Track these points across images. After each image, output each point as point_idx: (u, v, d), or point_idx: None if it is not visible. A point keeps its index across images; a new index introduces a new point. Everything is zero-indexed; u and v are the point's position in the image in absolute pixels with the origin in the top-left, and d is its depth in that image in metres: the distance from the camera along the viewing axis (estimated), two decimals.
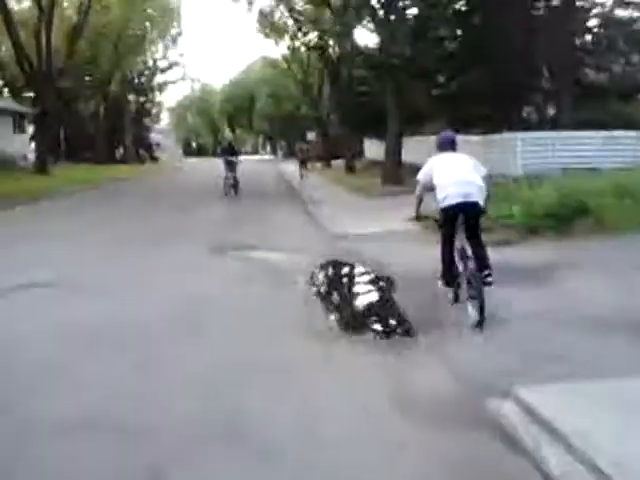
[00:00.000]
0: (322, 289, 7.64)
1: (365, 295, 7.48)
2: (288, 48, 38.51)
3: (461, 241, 5.69)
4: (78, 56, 36.86)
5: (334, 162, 42.31)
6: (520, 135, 18.61)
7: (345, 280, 8.64)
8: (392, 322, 6.11)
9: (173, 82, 61.44)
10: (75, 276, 7.71)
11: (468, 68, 24.75)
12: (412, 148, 27.94)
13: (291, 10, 28.07)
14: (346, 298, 7.42)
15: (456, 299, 5.85)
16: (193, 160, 66.67)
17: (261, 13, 31.34)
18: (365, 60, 23.86)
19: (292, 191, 21.77)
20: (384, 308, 6.68)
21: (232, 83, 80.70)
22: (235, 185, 18.69)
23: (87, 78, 37.89)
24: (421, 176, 6.06)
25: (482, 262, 5.47)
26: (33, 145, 37.05)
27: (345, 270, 8.90)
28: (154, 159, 52.64)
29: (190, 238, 10.68)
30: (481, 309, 5.12)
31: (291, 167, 37.68)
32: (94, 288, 7.09)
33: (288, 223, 12.87)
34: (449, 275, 5.81)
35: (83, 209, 16.60)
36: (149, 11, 36.53)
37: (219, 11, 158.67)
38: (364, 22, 21.57)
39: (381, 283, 7.68)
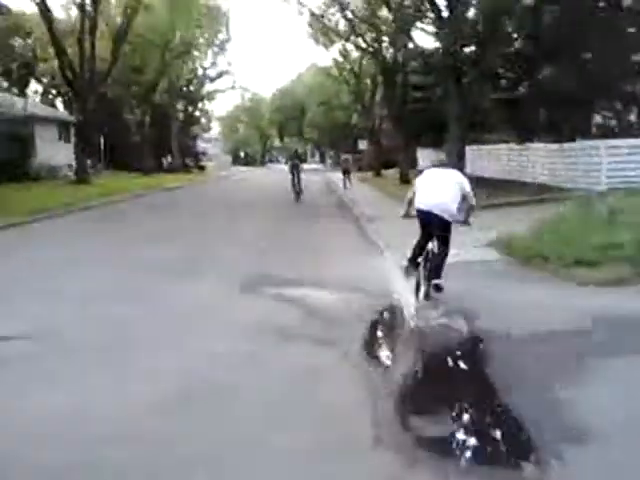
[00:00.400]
0: (387, 359, 5.30)
1: (456, 378, 4.84)
2: (340, 53, 36.84)
3: (430, 245, 6.64)
4: (124, 63, 36.24)
5: (385, 172, 40.41)
6: (605, 143, 16.17)
7: (422, 343, 5.63)
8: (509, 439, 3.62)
9: (222, 91, 60.85)
10: (49, 336, 5.52)
11: (537, 70, 22.51)
12: (473, 157, 25.83)
13: (344, 10, 26.21)
14: (428, 381, 4.91)
15: (426, 296, 6.51)
16: (241, 169, 65.79)
17: (312, 15, 29.65)
18: (425, 61, 21.76)
19: (342, 204, 19.94)
20: (489, 406, 4.10)
21: (282, 92, 79.77)
22: (299, 192, 20.38)
23: (134, 87, 37.02)
24: (415, 187, 6.83)
25: (432, 271, 6.37)
26: None
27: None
28: (201, 168, 51.72)
29: (220, 267, 8.81)
30: (426, 292, 6.44)
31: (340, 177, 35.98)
32: (76, 355, 5.02)
33: (339, 245, 10.90)
34: (412, 264, 6.77)
35: (105, 226, 14.86)
36: (196, 16, 35.30)
37: (268, 18, 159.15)
38: (424, 19, 19.52)
39: (476, 351, 5.36)
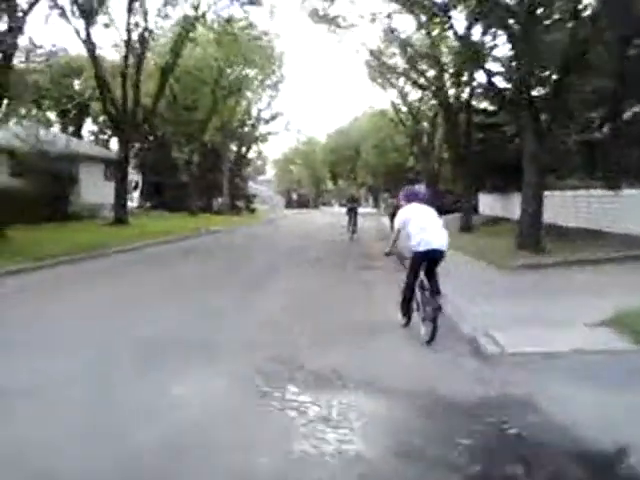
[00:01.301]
0: None
1: None
2: (398, 92, 34.94)
3: (421, 276, 6.98)
4: (174, 101, 35.40)
5: (444, 217, 37.75)
6: None
7: None
8: None
9: (276, 133, 60.00)
10: None
11: (622, 108, 19.86)
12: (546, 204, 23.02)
13: (405, 46, 24.27)
14: None
15: (407, 324, 7.27)
16: (293, 212, 64.26)
17: (371, 53, 27.89)
18: (496, 95, 19.35)
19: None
20: None
21: (337, 133, 78.71)
22: (354, 232, 23.05)
23: (184, 126, 36.05)
24: (398, 224, 7.21)
25: (436, 291, 6.79)
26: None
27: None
28: (251, 210, 50.35)
29: (235, 345, 6.57)
30: (434, 329, 6.47)
31: None
32: None
33: (395, 315, 8.34)
34: (406, 307, 7.25)
35: (120, 277, 12.72)
36: (243, 52, 34.21)
37: (325, 61, 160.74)
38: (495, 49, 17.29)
39: None
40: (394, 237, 7.37)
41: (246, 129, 52.68)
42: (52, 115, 51.05)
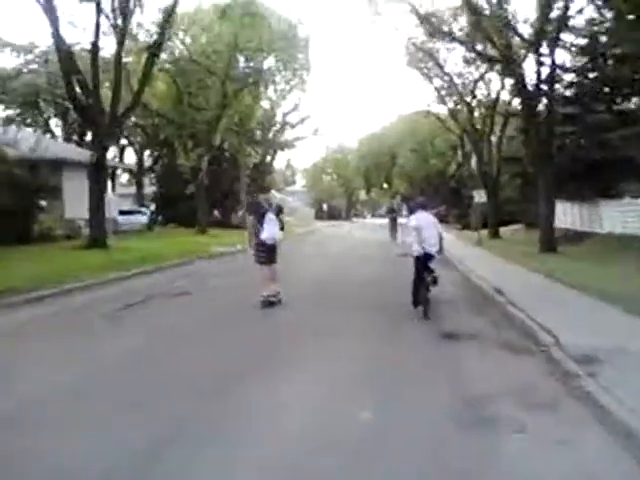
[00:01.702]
0: None
1: None
2: (449, 77, 28.77)
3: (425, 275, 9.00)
4: (179, 99, 29.93)
5: (503, 230, 31.37)
6: None
7: None
8: None
9: (303, 138, 54.22)
10: None
11: None
12: None
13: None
14: None
15: (426, 315, 8.83)
16: (323, 224, 58.25)
17: (421, 18, 21.68)
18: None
19: (475, 292, 11.54)
20: None
21: (370, 138, 72.54)
22: (395, 237, 27.06)
23: (191, 128, 30.38)
24: (412, 231, 9.28)
25: (432, 275, 8.95)
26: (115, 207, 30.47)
27: None
28: None
29: None
30: (425, 311, 8.84)
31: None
32: None
33: None
34: (415, 298, 9.25)
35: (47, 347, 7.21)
36: (267, 38, 28.52)
37: (354, 62, 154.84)
38: None
39: None
40: (408, 244, 10.19)
41: (270, 135, 47.19)
42: (54, 122, 46.63)
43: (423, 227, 9.09)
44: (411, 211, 10.83)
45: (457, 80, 29.27)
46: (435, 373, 5.88)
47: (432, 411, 4.75)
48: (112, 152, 56.38)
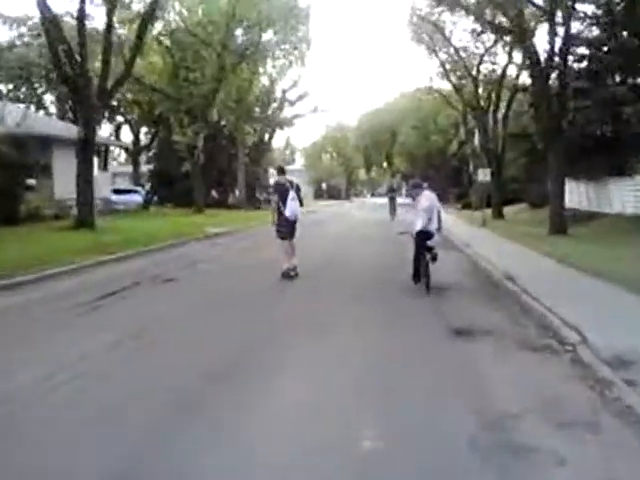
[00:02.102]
0: None
1: None
2: (454, 50, 27.61)
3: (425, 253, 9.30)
4: (175, 73, 28.87)
5: (507, 210, 30.53)
6: None
7: None
8: None
9: (302, 116, 53.00)
10: None
11: None
12: None
13: None
14: None
15: (427, 289, 9.13)
16: (322, 204, 57.28)
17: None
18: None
19: (489, 282, 10.77)
20: None
21: (370, 114, 71.17)
22: (394, 215, 28.44)
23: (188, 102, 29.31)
24: (425, 208, 9.39)
25: (431, 252, 9.23)
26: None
27: None
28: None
29: None
30: (427, 284, 9.15)
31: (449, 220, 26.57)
32: None
33: None
34: (415, 273, 9.56)
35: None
36: (264, 8, 27.33)
37: (356, 41, 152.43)
38: None
39: None
40: (408, 222, 11.10)
41: (269, 112, 46.07)
42: (49, 99, 45.33)
43: (432, 208, 9.47)
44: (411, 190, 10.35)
45: (463, 54, 28.14)
46: (447, 382, 5.09)
47: (447, 436, 3.96)
48: (107, 129, 55.69)
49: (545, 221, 19.27)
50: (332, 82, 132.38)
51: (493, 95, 28.78)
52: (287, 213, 10.32)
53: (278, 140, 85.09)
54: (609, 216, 21.63)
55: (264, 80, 44.27)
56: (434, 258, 9.26)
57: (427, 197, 9.53)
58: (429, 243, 9.28)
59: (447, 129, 55.11)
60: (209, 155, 37.05)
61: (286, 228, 10.50)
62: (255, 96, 39.57)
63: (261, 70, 40.22)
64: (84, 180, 18.09)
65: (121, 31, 25.67)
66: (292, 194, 10.35)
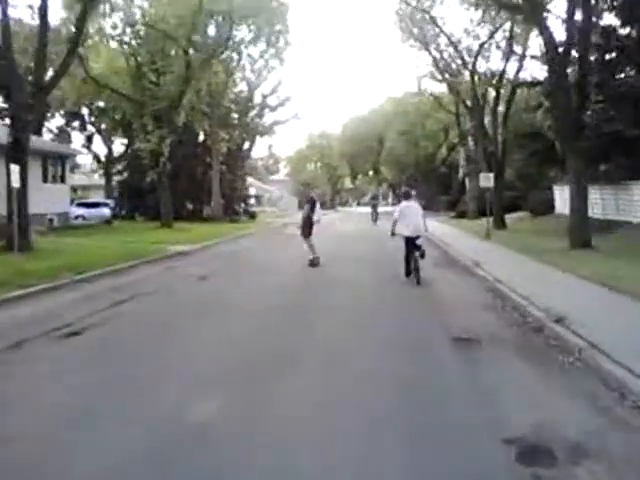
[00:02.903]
0: None
1: None
2: (448, 39, 24.74)
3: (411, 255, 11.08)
4: (137, 74, 25.88)
5: (514, 215, 27.83)
6: None
7: None
8: None
9: (284, 122, 50.03)
10: None
11: None
12: None
13: None
14: None
15: (418, 282, 10.66)
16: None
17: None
18: None
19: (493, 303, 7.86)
20: None
21: (355, 121, 68.38)
22: (375, 219, 32.21)
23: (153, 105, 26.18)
24: (396, 215, 11.35)
25: (420, 250, 10.88)
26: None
27: None
28: (251, 216, 40.51)
29: None
30: (417, 279, 10.70)
31: (446, 230, 23.72)
32: None
33: None
34: (407, 269, 11.21)
35: None
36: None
37: (338, 46, 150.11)
38: None
39: None
40: (393, 223, 11.31)
41: (248, 119, 43.10)
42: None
43: (407, 214, 11.14)
44: (399, 199, 13.43)
45: (459, 46, 25.33)
46: None
47: None
48: (79, 140, 52.39)
49: (551, 230, 17.29)
50: (315, 89, 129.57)
51: (492, 91, 25.95)
52: (315, 218, 13.84)
53: (261, 149, 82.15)
54: (630, 225, 18.89)
55: (242, 86, 41.68)
56: (422, 255, 10.98)
57: (401, 207, 11.45)
58: (418, 242, 11.01)
59: (436, 134, 52.60)
60: (181, 164, 34.01)
61: (309, 229, 13.82)
62: (231, 100, 36.59)
63: (239, 75, 37.43)
64: (20, 191, 14.93)
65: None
66: (318, 204, 14.39)
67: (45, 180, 25.22)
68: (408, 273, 11.08)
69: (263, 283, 11.46)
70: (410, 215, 11.02)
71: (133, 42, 26.61)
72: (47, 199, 25.27)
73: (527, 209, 31.27)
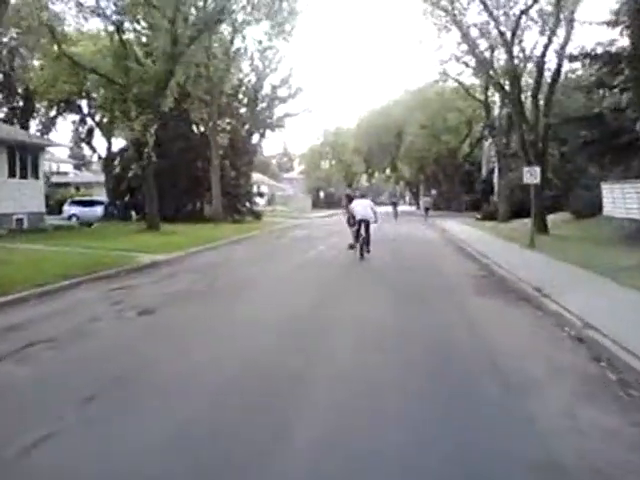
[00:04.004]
0: None
1: None
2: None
3: (361, 230, 15.14)
4: (116, 53, 22.53)
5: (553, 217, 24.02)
6: None
7: None
8: None
9: (295, 115, 46.54)
10: None
11: None
12: None
13: None
14: None
15: (361, 255, 14.89)
16: (317, 214, 50.65)
17: None
18: None
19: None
20: None
21: (373, 113, 64.44)
22: (395, 216, 39.24)
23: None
24: (352, 210, 16.29)
25: (366, 242, 15.09)
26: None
27: None
28: (256, 216, 36.88)
29: None
30: (362, 255, 14.98)
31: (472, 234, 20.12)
32: None
33: None
34: (354, 244, 15.80)
35: None
36: None
37: (358, 38, 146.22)
38: None
39: None
40: (349, 216, 17.01)
41: (258, 109, 39.75)
42: None
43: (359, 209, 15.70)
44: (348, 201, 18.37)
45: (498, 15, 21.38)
46: None
47: None
48: (79, 135, 49.31)
49: (603, 237, 16.80)
50: (329, 83, 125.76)
51: (533, 70, 21.98)
52: (358, 217, 15.62)
53: (275, 146, 78.68)
54: None
55: (251, 76, 38.35)
56: (367, 251, 15.19)
57: (359, 202, 16.15)
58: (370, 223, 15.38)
59: (459, 127, 48.80)
60: (178, 158, 30.63)
61: (353, 219, 16.37)
62: (234, 87, 33.10)
63: (246, 63, 34.08)
64: None
65: None
66: (355, 201, 16.69)
67: (12, 175, 21.92)
68: (353, 247, 16.12)
69: (233, 337, 7.67)
70: (362, 208, 15.62)
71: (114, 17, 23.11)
72: (14, 197, 22.02)
73: (568, 210, 27.45)
